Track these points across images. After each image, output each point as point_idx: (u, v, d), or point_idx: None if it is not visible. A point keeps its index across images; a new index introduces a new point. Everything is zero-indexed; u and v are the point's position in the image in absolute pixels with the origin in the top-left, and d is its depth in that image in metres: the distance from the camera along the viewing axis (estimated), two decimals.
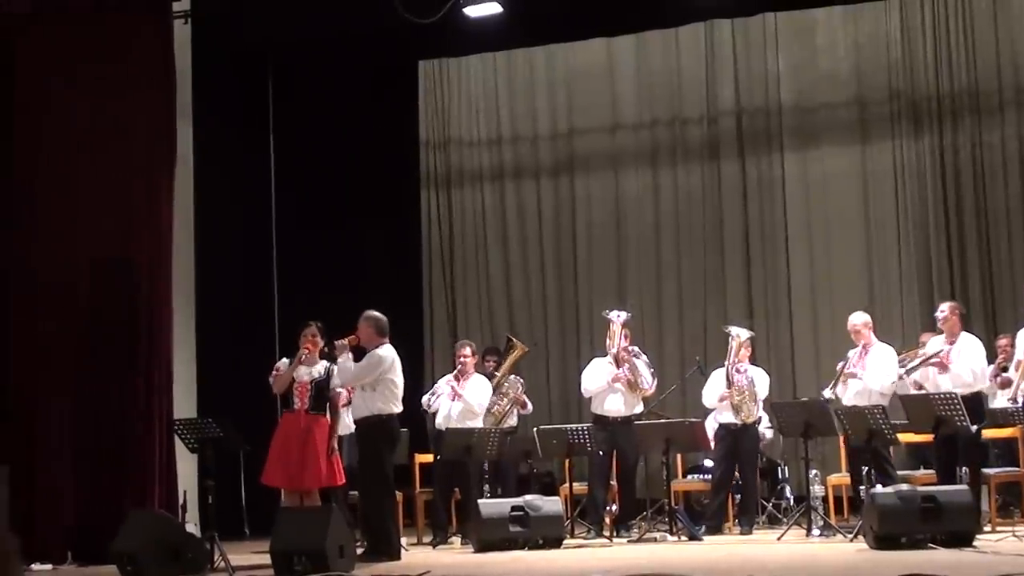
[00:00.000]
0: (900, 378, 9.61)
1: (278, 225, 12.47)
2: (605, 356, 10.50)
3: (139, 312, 9.70)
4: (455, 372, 10.53)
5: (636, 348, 10.59)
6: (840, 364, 9.80)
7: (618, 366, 10.34)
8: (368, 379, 8.85)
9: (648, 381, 10.42)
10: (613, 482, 10.38)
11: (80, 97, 9.86)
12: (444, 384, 10.52)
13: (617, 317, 10.47)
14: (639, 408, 10.46)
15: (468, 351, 10.58)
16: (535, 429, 10.22)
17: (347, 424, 9.51)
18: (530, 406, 11.17)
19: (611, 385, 10.29)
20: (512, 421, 11.01)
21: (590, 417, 10.50)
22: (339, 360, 8.84)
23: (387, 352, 8.94)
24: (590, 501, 10.36)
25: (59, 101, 9.85)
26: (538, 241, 13.69)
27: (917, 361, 9.53)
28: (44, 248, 9.72)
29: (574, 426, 10.18)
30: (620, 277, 13.34)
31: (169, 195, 9.95)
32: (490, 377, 10.88)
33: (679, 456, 11.00)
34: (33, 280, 9.69)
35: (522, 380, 11.12)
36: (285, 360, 9.13)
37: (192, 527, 9.43)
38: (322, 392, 8.90)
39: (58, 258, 9.71)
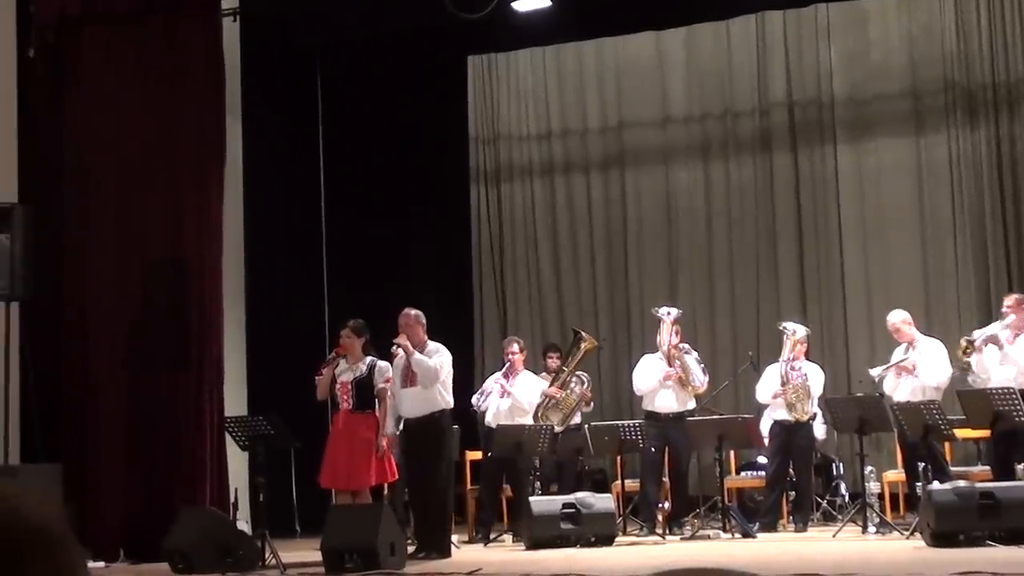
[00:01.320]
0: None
1: (327, 223, 12.50)
2: (656, 353, 10.45)
3: (189, 311, 9.75)
4: (504, 370, 10.52)
5: (687, 345, 10.54)
6: (896, 356, 9.72)
7: (669, 364, 10.30)
8: (446, 372, 8.94)
9: (700, 379, 10.37)
10: (665, 479, 10.34)
11: (129, 97, 9.93)
12: (492, 382, 10.51)
13: (667, 315, 10.43)
14: (691, 404, 10.42)
15: (516, 348, 10.59)
16: (586, 426, 10.20)
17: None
18: (592, 404, 11.17)
19: (662, 383, 10.24)
20: (577, 419, 11.01)
21: (642, 414, 10.45)
22: (414, 359, 8.81)
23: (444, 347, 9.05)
24: (642, 498, 10.32)
25: (109, 101, 9.92)
26: (588, 236, 13.64)
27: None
28: (96, 247, 9.79)
29: (626, 423, 10.15)
30: (671, 272, 13.27)
31: (219, 193, 9.99)
32: (556, 373, 10.86)
33: (732, 453, 10.96)
34: (84, 279, 9.76)
35: (588, 376, 11.09)
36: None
37: (243, 525, 9.48)
38: (365, 390, 8.90)
39: (109, 257, 9.78)
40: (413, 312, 9.07)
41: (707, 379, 10.49)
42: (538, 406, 10.78)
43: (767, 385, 10.29)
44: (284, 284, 11.90)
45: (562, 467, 10.83)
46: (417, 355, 8.83)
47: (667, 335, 10.37)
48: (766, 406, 10.38)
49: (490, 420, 10.37)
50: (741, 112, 13.19)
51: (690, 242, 13.26)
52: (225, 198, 10.13)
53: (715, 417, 10.50)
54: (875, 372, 9.74)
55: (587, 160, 13.72)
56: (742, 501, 11.00)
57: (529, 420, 10.25)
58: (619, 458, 10.34)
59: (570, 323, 13.18)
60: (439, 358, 8.93)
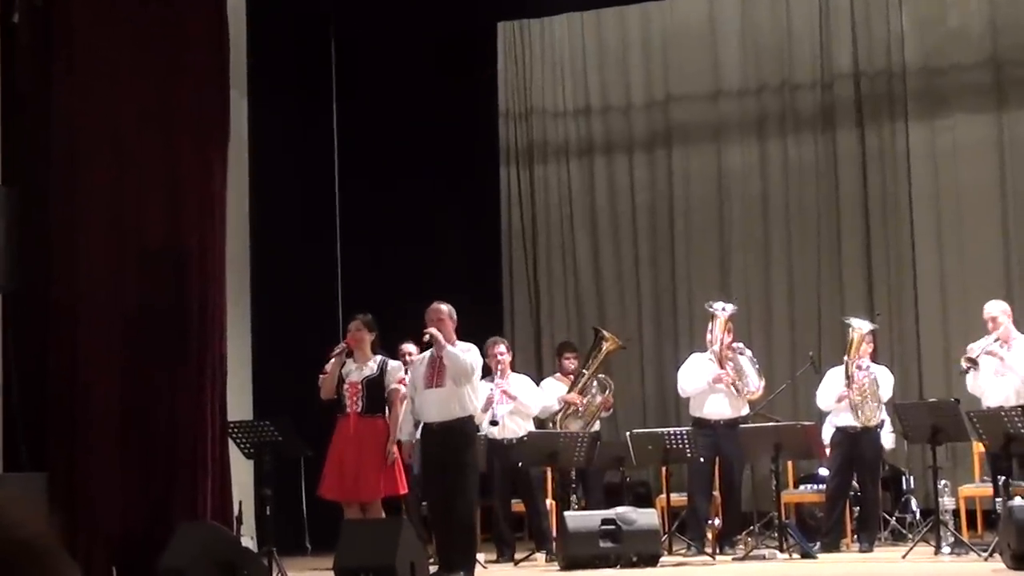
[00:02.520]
0: None
1: (341, 207, 12.52)
2: (705, 352, 10.42)
3: (190, 304, 9.77)
4: (494, 376, 10.45)
5: (741, 344, 10.52)
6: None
7: (721, 365, 10.27)
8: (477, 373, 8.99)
9: (755, 383, 10.36)
10: (715, 492, 10.31)
11: (124, 67, 9.94)
12: (488, 389, 10.40)
13: (722, 311, 10.42)
14: (745, 410, 10.39)
15: (503, 348, 10.57)
16: (628, 433, 10.18)
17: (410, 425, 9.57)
18: (612, 410, 11.20)
19: (711, 386, 10.23)
20: (596, 427, 11.02)
21: (689, 420, 10.44)
22: (447, 352, 8.82)
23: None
24: (690, 514, 10.32)
25: (101, 73, 9.94)
26: (631, 222, 13.61)
27: None
28: (87, 233, 9.81)
29: (672, 430, 10.12)
30: (723, 262, 13.23)
31: (222, 174, 10.00)
32: (576, 377, 10.86)
33: (790, 464, 10.91)
34: (73, 269, 9.79)
35: (610, 380, 11.10)
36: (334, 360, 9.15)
37: (248, 541, 9.51)
38: (376, 392, 8.93)
39: (101, 244, 9.80)
40: (444, 307, 9.05)
41: (763, 383, 10.46)
42: (556, 414, 10.77)
43: (829, 388, 10.26)
44: (294, 274, 11.92)
45: (589, 479, 10.84)
46: (450, 348, 8.83)
47: (720, 333, 10.34)
48: (828, 413, 10.34)
49: (494, 431, 10.34)
50: (801, 84, 13.14)
51: (744, 229, 13.22)
52: (229, 179, 10.15)
53: (772, 424, 10.45)
54: (976, 347, 9.65)
55: (630, 138, 13.70)
56: (801, 518, 10.99)
57: (531, 426, 10.25)
58: (664, 469, 10.31)
59: (610, 318, 13.18)
60: (472, 356, 8.94)
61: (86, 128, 9.92)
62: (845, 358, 10.15)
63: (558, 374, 11.31)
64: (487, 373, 9.96)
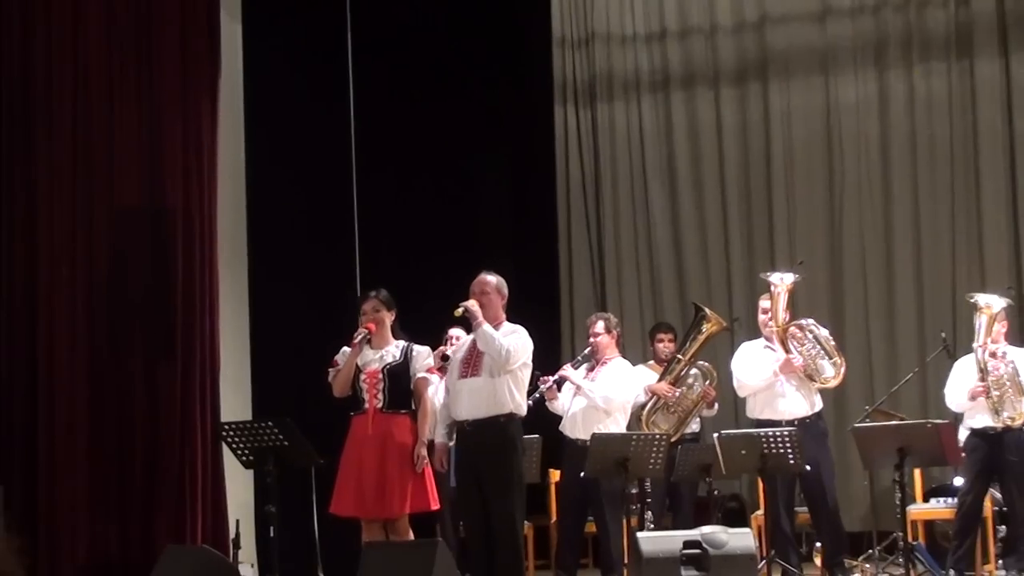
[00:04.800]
0: None
1: (359, 159, 12.48)
2: (756, 339, 10.57)
3: (172, 280, 9.80)
4: (584, 354, 10.48)
5: (811, 320, 10.46)
6: None
7: (784, 348, 10.21)
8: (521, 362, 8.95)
9: (829, 368, 10.29)
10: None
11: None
12: (567, 373, 10.44)
13: (780, 280, 10.37)
14: (820, 405, 10.37)
15: (600, 326, 10.54)
16: (715, 435, 10.12)
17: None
18: (716, 406, 11.18)
19: (778, 376, 10.20)
20: (695, 425, 11.05)
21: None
22: (480, 331, 8.82)
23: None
24: (778, 530, 10.29)
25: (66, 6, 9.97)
26: (717, 172, 13.53)
27: None
28: (48, 196, 9.85)
29: (771, 431, 10.02)
30: (832, 219, 13.12)
31: (211, 119, 10.01)
32: (668, 363, 10.83)
33: (917, 472, 10.82)
34: (33, 240, 9.84)
35: (712, 369, 11.10)
36: (345, 349, 9.11)
37: (248, 569, 9.54)
38: (400, 382, 8.91)
39: (66, 208, 9.84)
40: (493, 279, 9.05)
41: (843, 366, 10.41)
42: (643, 408, 10.75)
43: (960, 382, 10.19)
44: (300, 245, 11.93)
45: (679, 491, 10.81)
46: (485, 327, 8.83)
47: (782, 309, 10.30)
48: (960, 414, 10.26)
49: (565, 426, 10.35)
50: (930, 0, 13.00)
51: (858, 179, 13.11)
52: (220, 125, 10.15)
53: (894, 423, 10.37)
54: None
55: (715, 69, 13.61)
56: (932, 538, 10.91)
57: (616, 426, 10.23)
58: (761, 479, 10.26)
59: (691, 292, 13.10)
60: (515, 339, 8.90)
61: (47, 66, 9.94)
62: (975, 345, 10.10)
63: (652, 361, 11.34)
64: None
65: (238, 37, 10.87)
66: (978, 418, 10.04)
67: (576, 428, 10.29)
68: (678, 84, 13.73)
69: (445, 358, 9.82)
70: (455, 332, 10.15)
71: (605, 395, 10.26)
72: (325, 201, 12.32)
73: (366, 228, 12.42)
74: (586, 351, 10.60)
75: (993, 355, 10.02)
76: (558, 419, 10.52)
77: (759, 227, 13.37)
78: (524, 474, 9.19)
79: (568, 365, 10.58)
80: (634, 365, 11.17)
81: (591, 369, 10.49)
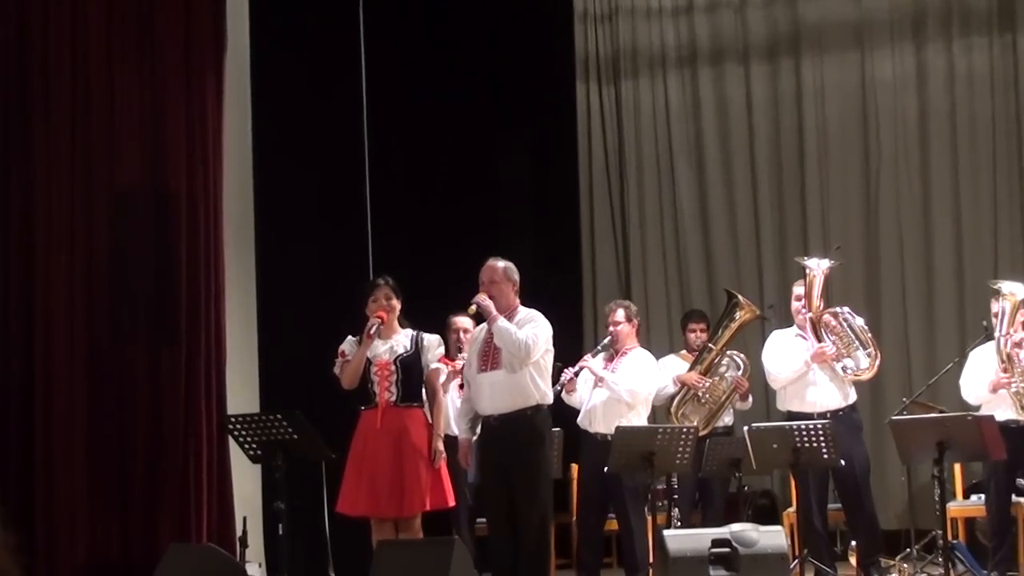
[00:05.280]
0: None
1: (372, 138, 12.46)
2: (788, 327, 10.55)
3: (178, 266, 9.78)
4: (603, 344, 10.46)
5: (846, 308, 10.43)
6: None
7: (818, 338, 10.17)
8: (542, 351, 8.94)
9: (863, 360, 10.26)
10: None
11: None
12: (586, 359, 10.44)
13: (817, 265, 10.34)
14: (853, 397, 10.35)
15: (620, 315, 10.52)
16: (746, 428, 10.11)
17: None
18: (751, 398, 11.17)
19: (809, 367, 10.21)
20: (727, 418, 11.02)
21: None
22: (497, 327, 8.81)
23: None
24: (809, 530, 10.26)
25: None
26: (747, 152, 13.53)
27: None
28: (45, 176, 9.84)
29: (804, 424, 10.00)
30: (867, 200, 13.11)
31: (216, 103, 10.00)
32: (699, 353, 10.82)
33: (957, 467, 10.78)
34: (29, 222, 9.83)
35: (745, 359, 11.07)
36: (351, 339, 9.10)
37: (255, 569, 9.53)
38: (413, 373, 8.91)
39: (64, 189, 9.83)
40: (501, 264, 9.05)
41: (878, 357, 10.37)
42: (671, 399, 10.73)
43: (977, 373, 10.21)
44: (310, 230, 11.94)
45: (708, 487, 10.79)
46: (501, 321, 8.82)
47: (816, 296, 10.28)
48: (978, 408, 10.24)
49: (582, 420, 10.34)
50: None
51: (895, 159, 13.10)
52: (226, 102, 10.14)
53: (933, 416, 10.33)
54: None
55: (745, 43, 13.60)
56: (973, 537, 10.88)
57: (632, 419, 10.19)
58: (793, 475, 10.24)
59: (720, 278, 13.08)
60: (532, 329, 8.87)
61: (43, 37, 9.93)
62: (996, 334, 10.11)
63: (684, 351, 11.34)
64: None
65: (244, 10, 10.85)
66: (1001, 410, 10.00)
67: (596, 422, 10.29)
68: (706, 60, 13.73)
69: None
70: (462, 323, 10.13)
71: (631, 388, 10.24)
72: (336, 184, 12.30)
73: (379, 212, 12.40)
74: (605, 340, 10.59)
75: (1018, 345, 10.02)
76: (576, 412, 10.51)
77: (791, 209, 13.35)
78: (551, 469, 9.19)
79: (588, 356, 10.56)
80: (661, 356, 11.17)
81: (610, 359, 10.47)
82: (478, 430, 9.19)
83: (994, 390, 10.07)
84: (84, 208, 9.81)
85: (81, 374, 9.66)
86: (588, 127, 13.90)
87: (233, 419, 9.19)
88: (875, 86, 13.21)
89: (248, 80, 11.03)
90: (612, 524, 10.70)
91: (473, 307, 8.93)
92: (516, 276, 9.06)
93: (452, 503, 9.12)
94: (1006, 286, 10.23)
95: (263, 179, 11.21)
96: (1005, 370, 10.01)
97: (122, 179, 9.87)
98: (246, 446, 8.97)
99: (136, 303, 9.77)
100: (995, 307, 10.21)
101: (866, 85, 13.24)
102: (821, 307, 10.38)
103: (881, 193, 13.10)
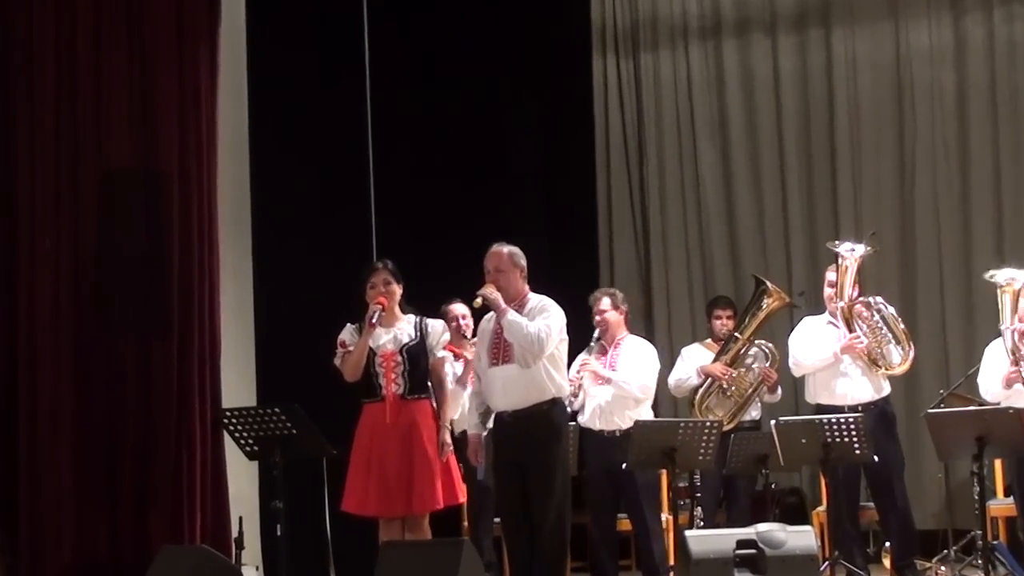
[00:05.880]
0: None
1: (376, 119, 12.46)
2: (820, 314, 10.56)
3: (170, 252, 9.79)
4: (594, 339, 10.46)
5: (879, 299, 10.41)
6: None
7: (849, 328, 10.16)
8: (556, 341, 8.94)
9: (896, 354, 10.26)
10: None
11: None
12: (586, 362, 10.41)
13: (851, 252, 10.31)
14: (887, 390, 10.38)
15: (607, 303, 10.52)
16: (772, 422, 10.11)
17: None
18: (780, 391, 11.15)
19: (838, 358, 10.14)
20: (754, 412, 11.03)
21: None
22: (507, 320, 8.80)
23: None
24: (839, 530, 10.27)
25: None
26: (774, 128, 13.50)
27: None
28: (29, 158, 9.85)
29: (834, 417, 10.00)
30: (902, 180, 13.08)
31: (210, 77, 10.01)
32: (725, 343, 10.86)
33: (997, 464, 10.78)
34: (12, 207, 9.85)
35: (773, 348, 11.07)
36: (351, 327, 9.11)
37: (251, 571, 9.55)
38: (419, 363, 8.92)
39: (50, 172, 9.84)
40: (505, 250, 9.03)
41: (911, 351, 10.37)
42: (695, 391, 10.72)
43: (993, 368, 10.23)
44: (311, 215, 11.94)
45: (733, 485, 10.81)
46: (511, 314, 8.81)
47: (849, 284, 10.26)
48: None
49: (586, 419, 10.33)
50: None
51: (932, 136, 13.06)
52: (221, 80, 10.14)
53: (972, 409, 10.33)
54: None
55: (772, 13, 13.57)
56: (1014, 537, 10.87)
57: (640, 412, 10.22)
58: (823, 472, 10.23)
59: (745, 262, 13.06)
60: (544, 320, 8.86)
61: (26, 12, 9.94)
62: (1001, 327, 10.10)
63: (708, 340, 11.35)
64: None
65: None
66: (1018, 402, 9.97)
67: (603, 419, 10.29)
68: (731, 30, 13.71)
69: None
70: (458, 310, 10.14)
71: (642, 383, 10.30)
72: (338, 165, 12.30)
73: (383, 195, 12.42)
74: (596, 334, 10.56)
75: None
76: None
77: (821, 190, 13.32)
78: (568, 465, 9.19)
79: (584, 355, 10.51)
80: (684, 345, 11.16)
81: (603, 352, 10.46)
82: (489, 424, 9.18)
83: (1008, 386, 10.07)
84: (70, 193, 9.83)
85: (67, 368, 9.68)
86: (605, 103, 13.88)
87: (228, 413, 9.17)
88: (910, 58, 13.17)
89: (244, 59, 11.03)
90: (624, 524, 10.69)
91: (479, 300, 8.90)
92: (523, 261, 9.03)
93: (463, 499, 9.13)
94: (1001, 275, 10.22)
95: (259, 158, 11.22)
96: (1015, 363, 10.01)
97: (110, 158, 9.89)
98: (242, 442, 8.96)
99: (125, 293, 9.78)
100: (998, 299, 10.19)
101: (900, 57, 13.20)
102: (855, 295, 10.36)
103: (917, 172, 13.07)
